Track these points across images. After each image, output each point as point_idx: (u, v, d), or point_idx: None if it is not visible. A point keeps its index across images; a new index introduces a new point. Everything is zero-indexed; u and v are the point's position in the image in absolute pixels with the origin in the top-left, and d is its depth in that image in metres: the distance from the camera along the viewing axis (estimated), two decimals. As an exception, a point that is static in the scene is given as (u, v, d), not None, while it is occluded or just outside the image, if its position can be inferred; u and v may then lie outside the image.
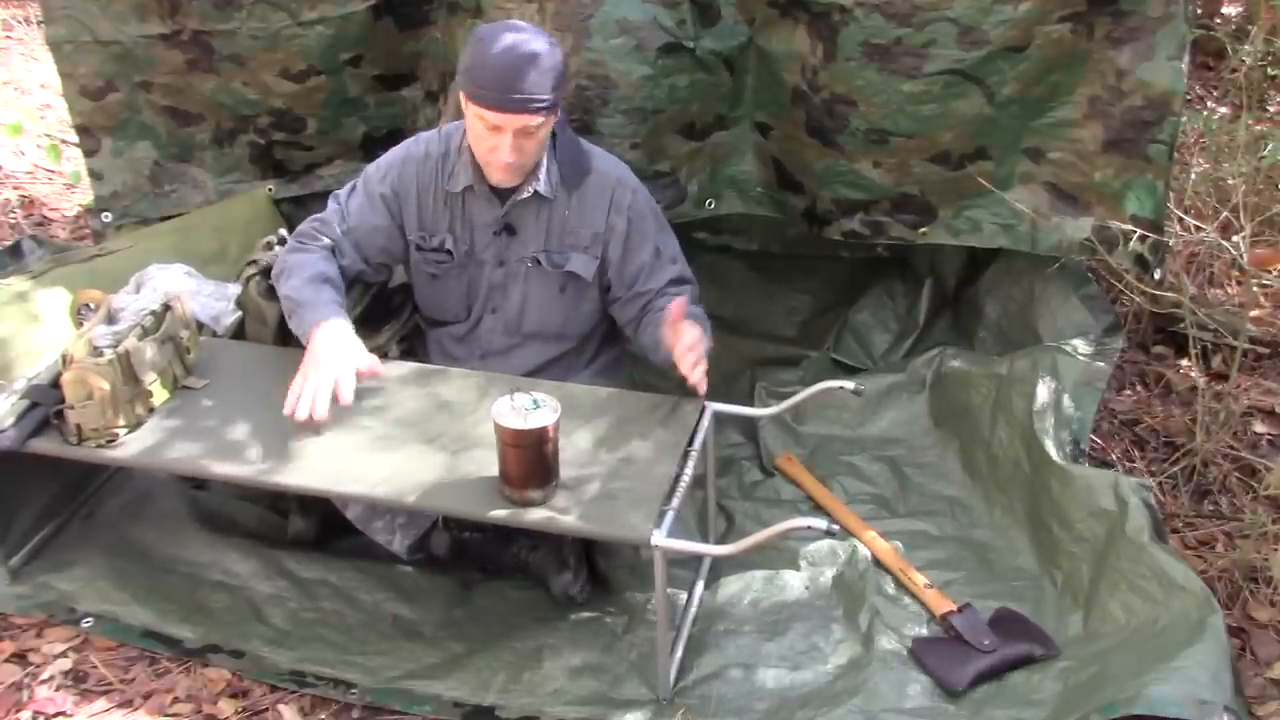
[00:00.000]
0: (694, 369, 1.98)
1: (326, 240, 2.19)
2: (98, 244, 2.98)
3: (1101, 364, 2.38)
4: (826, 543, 2.23)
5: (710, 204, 2.72)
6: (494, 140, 2.02)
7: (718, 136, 2.65)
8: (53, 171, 3.93)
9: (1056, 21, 2.27)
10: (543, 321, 2.27)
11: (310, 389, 1.98)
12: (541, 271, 2.22)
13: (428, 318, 2.37)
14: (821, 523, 1.75)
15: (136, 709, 1.96)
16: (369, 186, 2.22)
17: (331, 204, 2.24)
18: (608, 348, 2.41)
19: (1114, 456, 2.52)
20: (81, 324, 2.42)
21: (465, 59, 2.03)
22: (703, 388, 2.02)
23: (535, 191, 2.14)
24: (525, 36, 2.00)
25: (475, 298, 2.27)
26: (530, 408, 1.81)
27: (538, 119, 2.00)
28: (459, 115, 2.12)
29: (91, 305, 2.50)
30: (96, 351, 2.00)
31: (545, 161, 2.13)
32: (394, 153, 2.24)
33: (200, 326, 2.39)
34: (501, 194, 2.17)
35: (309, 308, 2.08)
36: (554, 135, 2.13)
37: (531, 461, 1.83)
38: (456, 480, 1.92)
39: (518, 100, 1.97)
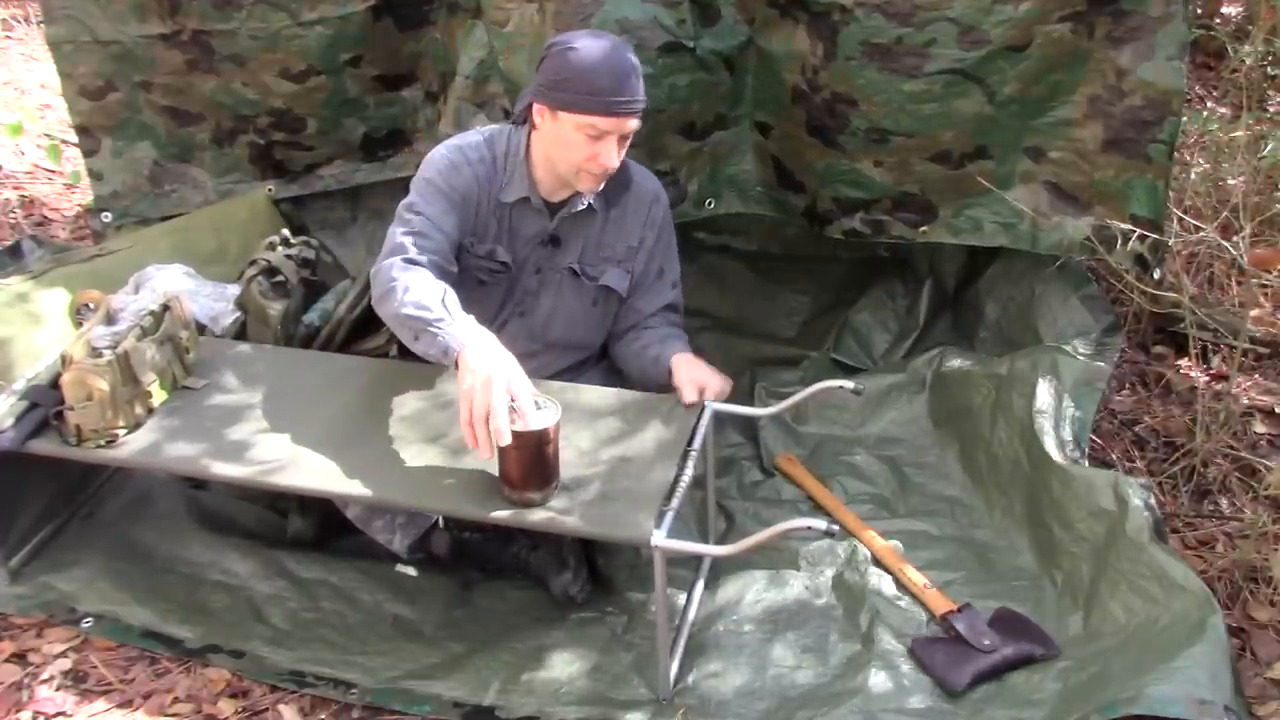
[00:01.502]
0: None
1: (434, 256, 2.03)
2: (98, 244, 2.98)
3: (1101, 364, 2.38)
4: (826, 543, 2.23)
5: (710, 203, 2.72)
6: (595, 148, 1.99)
7: (718, 136, 2.65)
8: (53, 171, 3.93)
9: (1057, 21, 2.27)
10: (568, 332, 2.27)
11: (487, 426, 1.79)
12: (578, 283, 2.21)
13: None
14: (821, 523, 1.75)
15: (136, 709, 1.96)
16: (439, 188, 2.08)
17: (411, 216, 2.05)
18: (612, 350, 2.40)
19: (1114, 456, 2.52)
20: (81, 324, 2.42)
21: (554, 73, 1.97)
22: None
23: (588, 204, 2.14)
24: (609, 42, 1.99)
25: (506, 303, 2.25)
26: (532, 409, 1.81)
27: (638, 119, 2.01)
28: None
29: (91, 305, 2.50)
30: (95, 352, 2.00)
31: None
32: (442, 156, 2.12)
33: (201, 328, 2.39)
34: (551, 206, 2.16)
35: (445, 325, 1.87)
36: None
37: (532, 462, 1.83)
38: (457, 480, 1.92)
39: (629, 103, 1.97)
